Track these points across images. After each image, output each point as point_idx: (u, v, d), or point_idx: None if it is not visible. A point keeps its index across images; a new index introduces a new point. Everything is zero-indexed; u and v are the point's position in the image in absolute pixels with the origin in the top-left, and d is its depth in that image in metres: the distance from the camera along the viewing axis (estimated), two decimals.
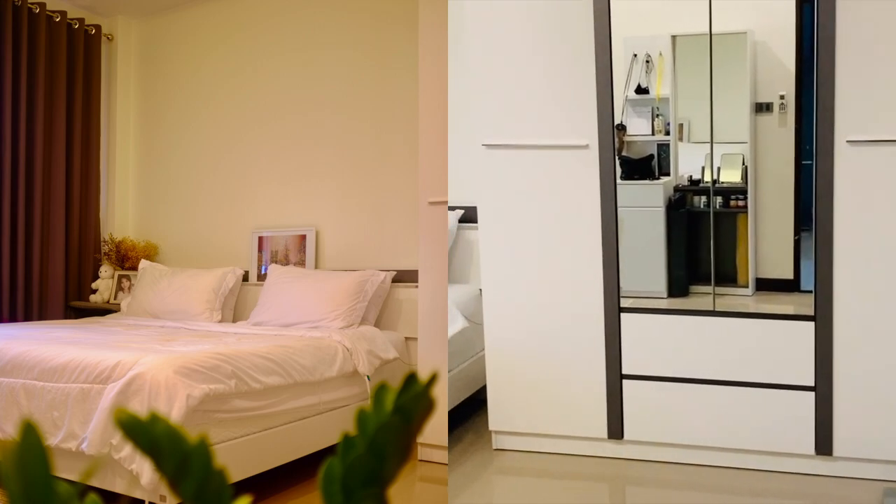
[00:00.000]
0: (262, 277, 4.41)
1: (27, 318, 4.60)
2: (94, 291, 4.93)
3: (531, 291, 2.58)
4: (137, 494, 2.46)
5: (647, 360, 2.55)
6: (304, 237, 4.39)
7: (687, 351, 2.51)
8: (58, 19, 4.88)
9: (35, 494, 0.41)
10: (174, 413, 2.42)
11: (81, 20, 5.01)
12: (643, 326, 2.53)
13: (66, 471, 2.54)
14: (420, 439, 3.12)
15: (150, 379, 2.48)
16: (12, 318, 4.47)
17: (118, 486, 2.49)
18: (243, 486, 2.58)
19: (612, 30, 2.41)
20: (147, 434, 0.44)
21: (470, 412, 3.05)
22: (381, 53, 4.21)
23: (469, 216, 3.14)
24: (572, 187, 2.51)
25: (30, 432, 0.41)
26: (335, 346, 3.36)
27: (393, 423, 0.45)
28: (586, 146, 2.47)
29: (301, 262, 4.36)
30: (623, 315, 2.53)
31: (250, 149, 4.72)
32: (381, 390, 0.46)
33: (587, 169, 2.49)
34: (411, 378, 0.45)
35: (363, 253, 4.19)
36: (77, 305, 4.88)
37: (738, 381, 2.49)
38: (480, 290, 2.92)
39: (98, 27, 5.15)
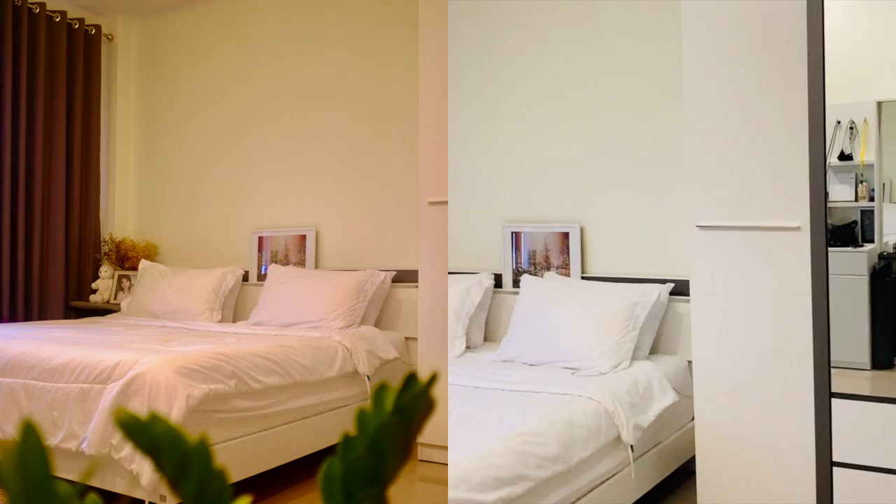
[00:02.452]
0: (262, 277, 4.41)
1: (27, 318, 4.59)
2: (94, 291, 4.93)
3: (740, 367, 2.54)
4: (137, 494, 2.46)
5: (860, 448, 2.40)
6: (304, 237, 4.39)
7: None
8: (58, 19, 4.88)
9: (35, 494, 0.41)
10: (174, 413, 2.42)
11: (81, 20, 5.02)
12: (855, 412, 2.41)
13: (66, 471, 2.54)
14: (420, 439, 3.12)
15: (150, 379, 2.48)
16: (12, 318, 4.47)
17: (118, 486, 2.49)
18: (243, 486, 2.58)
19: (826, 108, 2.37)
20: (147, 434, 0.44)
21: (679, 483, 2.99)
22: (381, 53, 4.21)
23: (678, 289, 3.10)
24: (782, 267, 2.48)
25: (30, 432, 0.41)
26: (335, 346, 3.36)
27: (393, 423, 0.45)
28: (798, 228, 2.44)
29: (301, 262, 4.36)
30: (834, 400, 2.42)
31: (250, 149, 4.72)
32: (381, 390, 0.46)
33: (797, 249, 2.45)
34: (411, 378, 0.45)
35: (363, 253, 4.19)
36: (77, 305, 4.88)
37: None
38: (689, 361, 2.89)
39: (98, 27, 5.15)
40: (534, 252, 3.48)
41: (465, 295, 3.35)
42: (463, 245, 3.76)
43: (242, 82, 4.78)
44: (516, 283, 3.49)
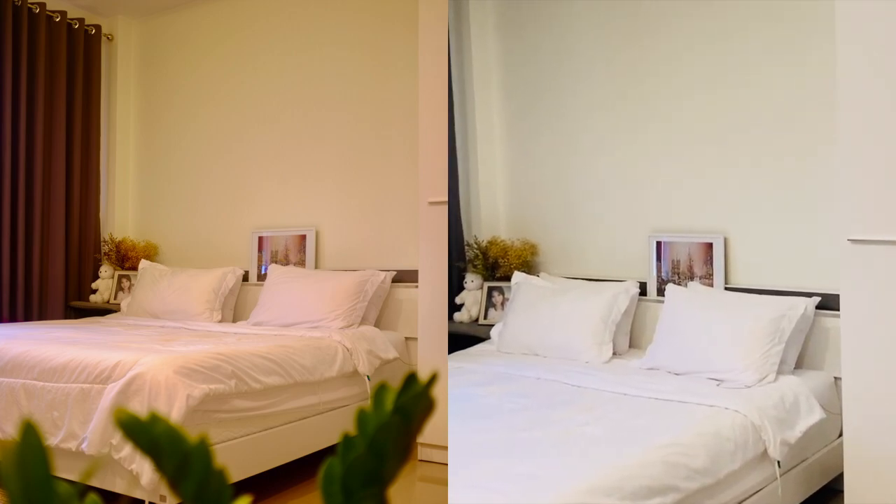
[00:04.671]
0: (262, 277, 4.41)
1: (27, 318, 4.59)
2: (94, 291, 4.93)
3: (892, 385, 2.41)
4: (137, 494, 2.46)
5: None
6: (304, 237, 4.39)
7: None
8: (58, 19, 4.88)
9: (35, 494, 0.41)
10: (174, 413, 2.42)
11: (81, 20, 5.01)
12: None
13: (66, 471, 2.54)
14: (420, 439, 3.12)
15: (150, 379, 2.48)
16: (12, 318, 4.47)
17: (118, 486, 2.49)
18: (243, 486, 2.58)
19: None
20: (147, 434, 0.44)
21: (824, 501, 2.91)
22: (381, 53, 4.21)
23: (825, 303, 2.98)
24: None
25: (30, 432, 0.41)
26: (335, 346, 3.36)
27: (393, 423, 0.45)
28: None
29: (301, 262, 4.36)
30: None
31: (250, 149, 4.72)
32: (381, 390, 0.46)
33: None
34: (411, 378, 0.46)
35: (363, 253, 4.19)
36: (77, 305, 4.88)
37: None
38: (835, 378, 2.84)
39: (98, 27, 5.15)
40: (677, 262, 3.43)
41: (611, 302, 3.31)
42: (607, 253, 3.68)
43: (242, 82, 4.78)
44: (660, 292, 3.43)
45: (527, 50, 3.98)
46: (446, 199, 3.31)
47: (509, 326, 3.45)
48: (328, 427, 3.19)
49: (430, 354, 3.28)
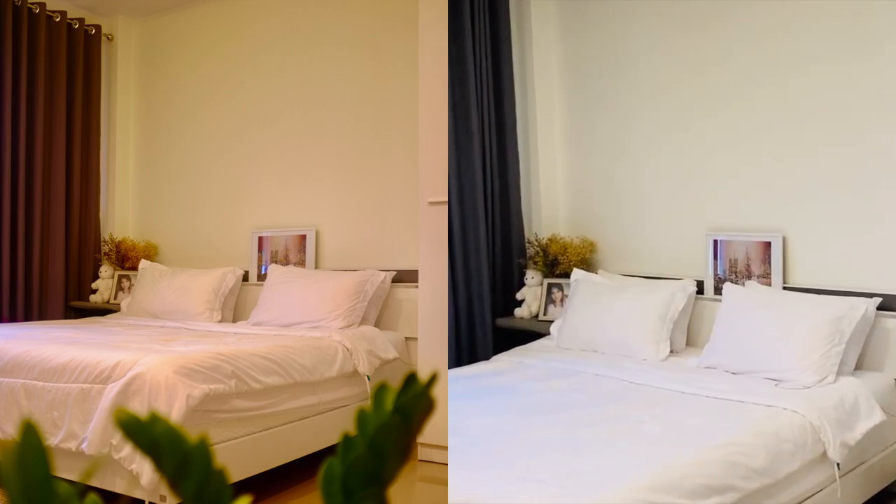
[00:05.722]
0: (262, 277, 4.41)
1: (27, 318, 4.59)
2: (94, 291, 4.93)
3: None
4: (137, 494, 2.46)
5: None
6: (304, 237, 4.39)
7: None
8: (58, 19, 4.88)
9: (35, 494, 0.41)
10: (174, 413, 2.42)
11: (81, 20, 5.02)
12: None
13: (66, 471, 2.54)
14: (420, 439, 3.12)
15: (150, 379, 2.48)
16: (12, 318, 4.47)
17: (118, 486, 2.49)
18: (243, 486, 2.58)
19: None
20: (147, 434, 0.44)
21: None
22: (381, 53, 4.21)
23: (886, 304, 2.92)
24: None
25: (30, 432, 0.41)
26: (335, 346, 3.36)
27: (393, 423, 0.45)
28: None
29: (301, 262, 4.36)
30: None
31: (250, 148, 4.72)
32: (381, 390, 0.46)
33: None
34: (411, 378, 0.46)
35: (363, 253, 4.19)
36: (77, 305, 4.88)
37: None
38: (895, 380, 2.83)
39: (98, 27, 5.15)
40: (735, 260, 3.39)
41: (669, 300, 3.29)
42: (665, 251, 3.66)
43: (242, 82, 4.78)
44: (717, 291, 3.40)
45: (588, 48, 3.96)
46: (446, 199, 3.31)
47: (568, 323, 3.44)
48: (328, 427, 3.19)
49: (430, 354, 3.28)
